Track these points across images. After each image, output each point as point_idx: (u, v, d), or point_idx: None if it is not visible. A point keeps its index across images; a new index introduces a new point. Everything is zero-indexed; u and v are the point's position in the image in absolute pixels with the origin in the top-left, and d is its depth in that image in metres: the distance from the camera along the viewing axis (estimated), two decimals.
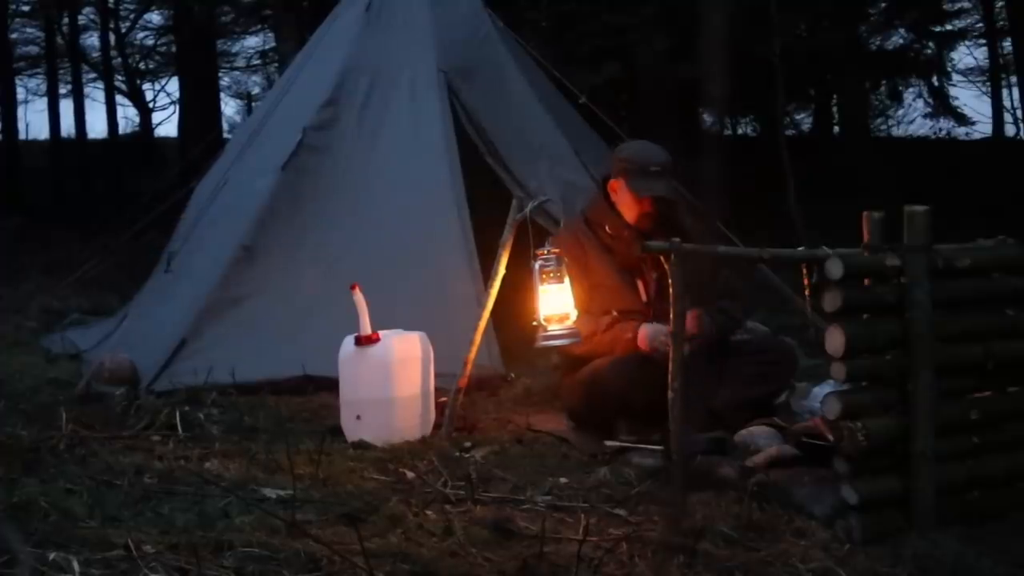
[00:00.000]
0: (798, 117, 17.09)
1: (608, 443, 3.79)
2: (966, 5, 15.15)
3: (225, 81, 20.29)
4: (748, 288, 4.65)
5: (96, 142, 18.03)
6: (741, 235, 5.11)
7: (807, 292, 3.14)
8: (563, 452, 3.85)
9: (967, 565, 2.70)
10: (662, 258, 3.48)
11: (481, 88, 5.66)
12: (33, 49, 18.52)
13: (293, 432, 3.92)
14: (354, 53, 5.73)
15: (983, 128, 16.08)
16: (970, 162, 13.88)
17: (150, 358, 4.78)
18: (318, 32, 6.71)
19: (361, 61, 5.67)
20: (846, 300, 2.86)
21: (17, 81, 17.70)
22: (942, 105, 16.13)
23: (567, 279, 3.90)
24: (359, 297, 4.01)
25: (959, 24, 15.50)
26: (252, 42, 19.27)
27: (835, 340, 2.85)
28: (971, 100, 23.26)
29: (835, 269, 2.85)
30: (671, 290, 3.38)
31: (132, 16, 18.06)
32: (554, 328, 3.90)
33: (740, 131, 16.97)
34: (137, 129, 19.88)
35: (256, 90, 21.09)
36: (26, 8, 16.94)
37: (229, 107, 22.40)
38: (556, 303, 3.90)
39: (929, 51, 15.35)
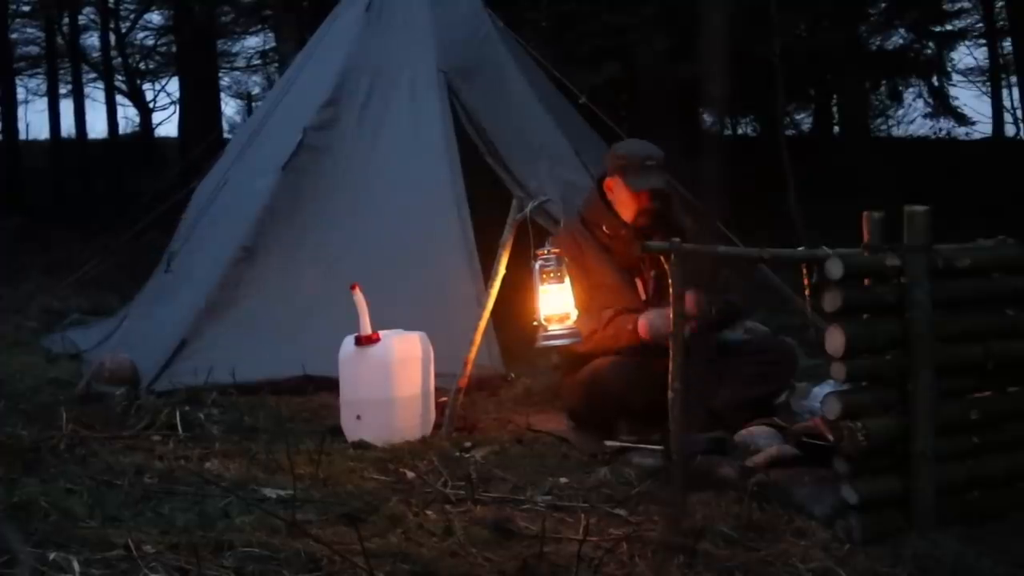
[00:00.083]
0: (798, 117, 17.10)
1: (608, 443, 3.79)
2: (966, 5, 15.17)
3: (225, 81, 20.35)
4: (748, 288, 4.65)
5: (96, 142, 18.04)
6: (741, 235, 5.10)
7: (807, 292, 3.14)
8: (563, 452, 3.85)
9: (967, 565, 2.69)
10: (661, 257, 3.48)
11: (481, 88, 5.66)
12: (33, 49, 18.55)
13: (293, 432, 3.92)
14: (354, 53, 5.73)
15: (983, 128, 16.13)
16: (970, 162, 13.88)
17: (150, 358, 4.78)
18: (318, 32, 6.71)
19: (361, 61, 5.67)
20: (846, 300, 2.86)
21: (17, 81, 17.72)
22: (942, 105, 16.14)
23: (567, 279, 3.90)
24: (359, 297, 4.01)
25: (959, 24, 15.53)
26: (252, 42, 19.34)
27: (835, 340, 2.85)
28: (971, 100, 23.35)
29: (835, 269, 2.85)
30: (670, 288, 3.38)
31: (132, 16, 18.09)
32: (554, 328, 3.90)
33: (740, 131, 16.97)
34: (137, 129, 19.92)
35: (256, 90, 21.15)
36: (26, 8, 16.97)
37: (229, 107, 22.47)
38: (556, 303, 3.90)
39: (929, 51, 15.35)
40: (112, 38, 17.60)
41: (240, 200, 5.53)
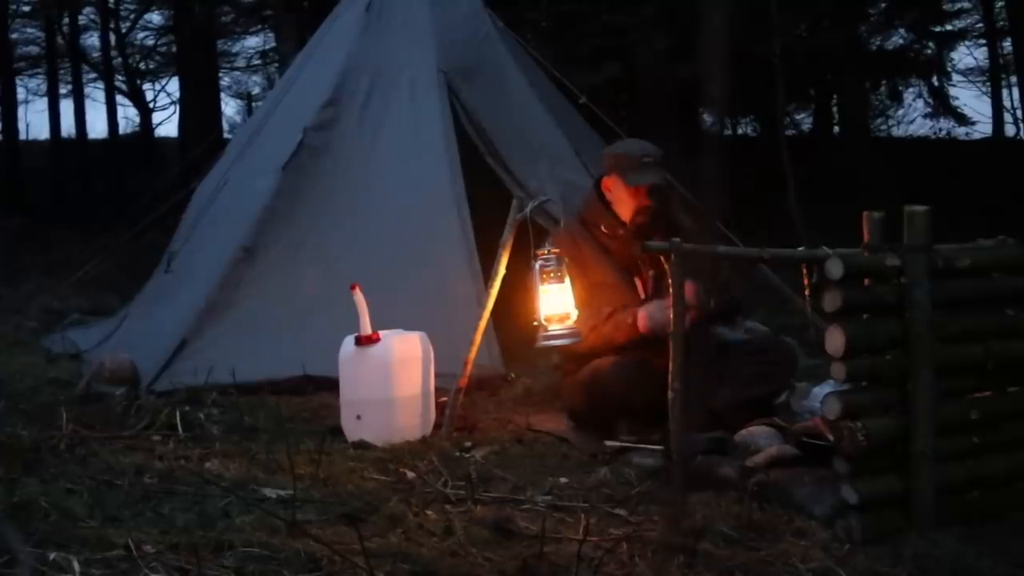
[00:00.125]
0: (798, 117, 17.10)
1: (608, 443, 3.79)
2: (966, 5, 15.17)
3: (225, 81, 20.35)
4: (748, 288, 4.65)
5: (96, 142, 18.04)
6: (741, 235, 5.11)
7: (807, 292, 3.14)
8: (563, 452, 3.85)
9: (967, 565, 2.69)
10: (661, 257, 3.48)
11: (481, 88, 5.66)
12: (33, 49, 18.55)
13: (293, 432, 3.92)
14: (354, 53, 5.73)
15: (983, 128, 16.13)
16: (970, 162, 13.89)
17: (150, 358, 4.78)
18: (318, 32, 6.71)
19: (361, 61, 5.67)
20: (846, 300, 2.86)
21: (17, 81, 17.71)
22: (942, 105, 16.14)
23: (567, 279, 3.90)
24: (359, 297, 4.01)
25: (959, 24, 15.53)
26: (252, 42, 19.34)
27: (835, 340, 2.85)
28: (971, 100, 23.34)
29: (835, 269, 2.85)
30: (670, 287, 3.39)
31: (132, 16, 18.09)
32: (554, 328, 3.90)
33: (740, 131, 16.96)
34: (137, 129, 19.92)
35: (256, 90, 21.16)
36: (26, 8, 16.97)
37: (229, 107, 22.47)
38: (556, 303, 3.90)
39: (929, 51, 15.36)
40: (112, 38, 17.60)
41: (240, 200, 5.53)
